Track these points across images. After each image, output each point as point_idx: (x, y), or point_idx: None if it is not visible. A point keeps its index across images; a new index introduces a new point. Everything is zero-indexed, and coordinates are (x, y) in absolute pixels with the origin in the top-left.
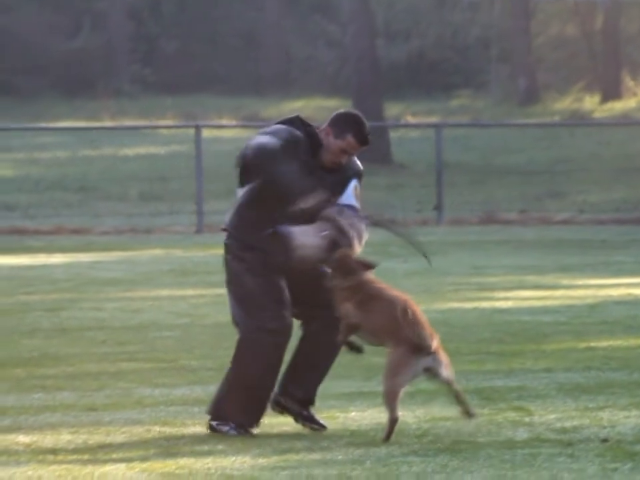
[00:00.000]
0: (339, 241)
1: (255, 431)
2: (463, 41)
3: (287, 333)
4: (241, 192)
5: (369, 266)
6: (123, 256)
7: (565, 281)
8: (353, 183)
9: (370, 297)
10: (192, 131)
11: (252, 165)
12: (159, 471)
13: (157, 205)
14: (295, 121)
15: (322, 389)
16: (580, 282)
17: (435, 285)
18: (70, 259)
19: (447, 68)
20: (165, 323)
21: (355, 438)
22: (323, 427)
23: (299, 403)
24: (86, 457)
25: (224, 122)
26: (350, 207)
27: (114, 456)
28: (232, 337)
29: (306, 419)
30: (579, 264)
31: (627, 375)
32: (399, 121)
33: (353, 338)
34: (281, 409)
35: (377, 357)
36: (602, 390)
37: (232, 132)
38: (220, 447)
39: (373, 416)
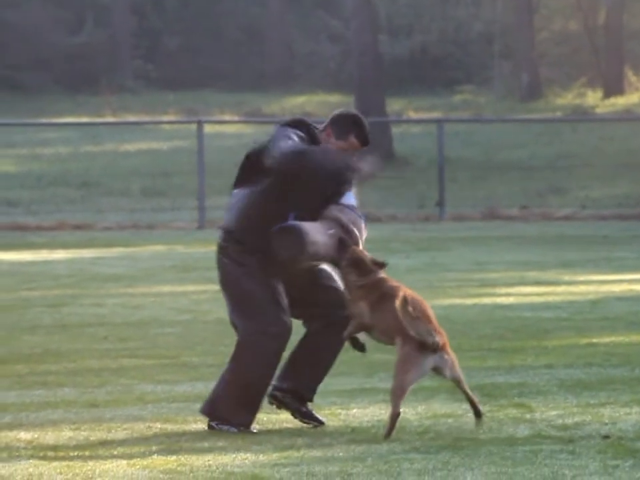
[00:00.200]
0: (345, 240)
1: (255, 428)
2: (466, 36)
3: (287, 336)
4: (241, 193)
5: (381, 265)
6: (125, 252)
7: (567, 277)
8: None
9: (384, 296)
10: (194, 127)
11: (290, 167)
12: (160, 468)
13: (159, 200)
14: (298, 123)
15: (323, 385)
16: (582, 278)
17: (436, 280)
18: (72, 254)
19: (450, 63)
20: (167, 319)
21: (356, 435)
22: (321, 423)
23: (296, 399)
24: (87, 453)
25: (226, 117)
26: (349, 206)
27: (115, 453)
28: (233, 333)
29: (304, 415)
30: (580, 260)
31: (629, 371)
32: (401, 117)
33: (361, 336)
34: (278, 403)
35: (379, 353)
36: (603, 386)
37: (234, 127)
38: (221, 444)
39: (374, 413)
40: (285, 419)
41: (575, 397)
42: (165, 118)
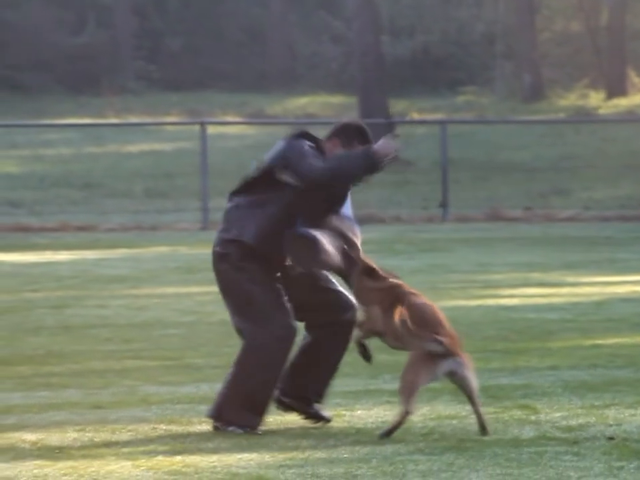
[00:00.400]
0: (348, 251)
1: (260, 430)
2: (468, 37)
3: (293, 338)
4: (247, 200)
5: (393, 276)
6: (129, 253)
7: (570, 279)
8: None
9: (398, 302)
10: (197, 128)
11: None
12: (165, 469)
13: (162, 201)
14: (304, 135)
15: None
16: (585, 279)
17: (440, 282)
18: (75, 256)
19: (452, 64)
20: (171, 321)
21: (361, 436)
22: (328, 420)
23: (302, 402)
24: (92, 454)
25: (229, 118)
26: (346, 216)
27: (120, 454)
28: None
29: (311, 416)
30: (584, 261)
31: (633, 373)
32: (403, 118)
33: (369, 341)
34: (285, 407)
35: (384, 354)
36: (608, 388)
37: (237, 128)
38: (226, 445)
39: (378, 414)
40: (289, 420)
41: (579, 399)
42: (168, 119)
